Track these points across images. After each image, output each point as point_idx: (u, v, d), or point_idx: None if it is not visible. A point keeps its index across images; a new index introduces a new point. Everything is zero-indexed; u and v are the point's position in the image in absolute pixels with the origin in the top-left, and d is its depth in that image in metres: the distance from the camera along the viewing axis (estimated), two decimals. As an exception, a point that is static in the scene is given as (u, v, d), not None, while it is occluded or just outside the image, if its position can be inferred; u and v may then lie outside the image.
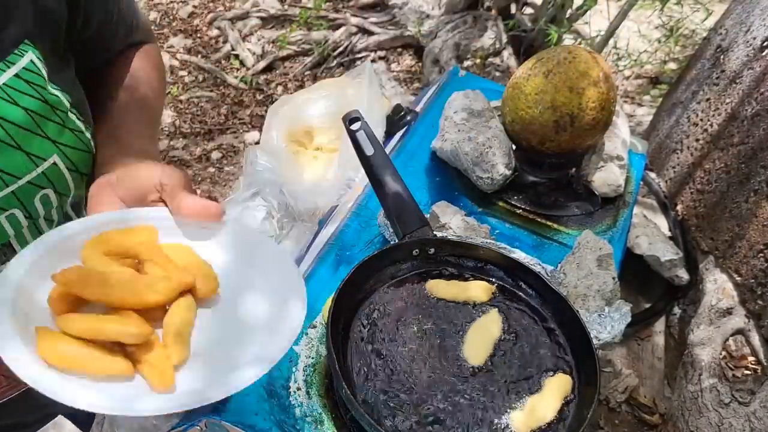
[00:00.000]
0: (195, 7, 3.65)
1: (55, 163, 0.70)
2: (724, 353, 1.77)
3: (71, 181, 0.74)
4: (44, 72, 0.69)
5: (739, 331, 1.78)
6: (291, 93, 1.97)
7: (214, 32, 3.48)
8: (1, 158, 0.65)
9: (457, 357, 0.76)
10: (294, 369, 0.76)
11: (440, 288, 0.83)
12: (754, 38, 2.00)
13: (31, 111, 0.68)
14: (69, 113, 0.72)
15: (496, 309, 0.81)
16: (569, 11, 2.95)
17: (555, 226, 1.05)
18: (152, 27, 3.38)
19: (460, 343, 0.77)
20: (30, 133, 0.68)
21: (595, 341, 0.78)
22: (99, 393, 0.52)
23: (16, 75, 0.66)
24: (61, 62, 0.74)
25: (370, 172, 0.89)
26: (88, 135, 0.75)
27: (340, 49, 3.39)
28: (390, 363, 0.74)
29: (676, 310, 2.05)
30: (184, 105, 3.10)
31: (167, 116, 3.01)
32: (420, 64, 3.33)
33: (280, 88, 3.23)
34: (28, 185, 0.68)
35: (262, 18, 3.54)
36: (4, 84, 0.65)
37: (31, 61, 0.68)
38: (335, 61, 3.33)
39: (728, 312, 1.82)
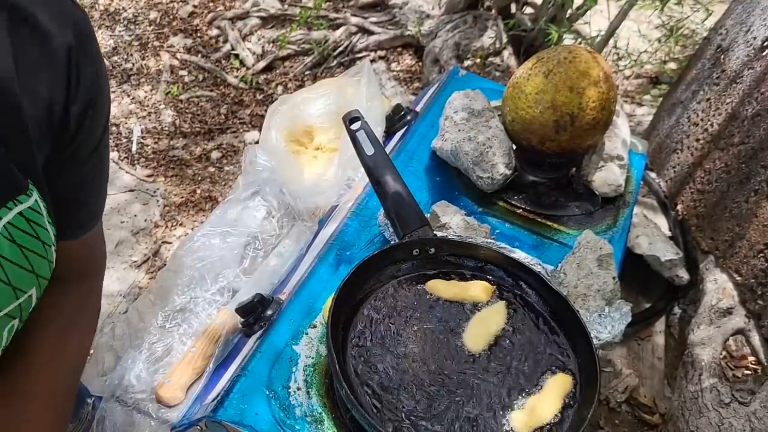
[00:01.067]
0: (195, 6, 3.65)
1: (31, 295, 0.68)
2: (724, 353, 1.77)
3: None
4: (44, 211, 0.68)
5: (739, 331, 1.78)
6: (291, 93, 1.97)
7: (214, 32, 3.48)
8: None
9: (458, 350, 0.76)
10: (294, 369, 0.76)
11: (440, 288, 0.83)
12: (755, 38, 2.00)
13: (25, 248, 0.66)
14: (53, 247, 0.70)
15: (504, 302, 0.82)
16: (569, 11, 2.95)
17: (555, 226, 1.05)
18: (152, 26, 3.39)
19: (460, 341, 0.77)
20: (20, 268, 0.66)
21: (595, 341, 0.78)
22: None
23: (20, 213, 0.65)
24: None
25: (370, 172, 0.89)
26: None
27: (340, 48, 3.38)
28: (390, 362, 0.74)
29: (676, 310, 2.05)
30: (184, 104, 3.09)
31: (167, 116, 3.01)
32: (420, 64, 3.33)
33: (280, 88, 3.23)
34: (4, 317, 0.66)
35: (262, 18, 3.54)
36: (8, 222, 0.64)
37: (36, 201, 0.67)
38: (335, 61, 3.33)
39: (728, 312, 1.82)
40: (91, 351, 0.83)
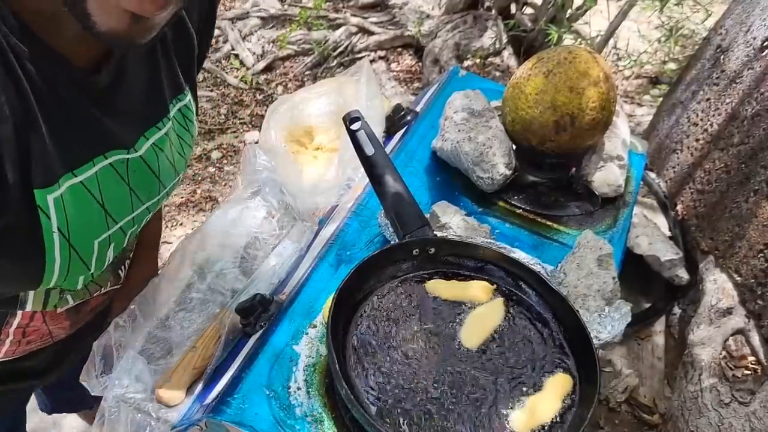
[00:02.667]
0: (195, 6, 3.64)
1: (161, 193, 0.80)
2: (724, 353, 1.77)
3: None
4: (193, 110, 0.84)
5: (739, 331, 1.78)
6: (291, 93, 1.97)
7: (215, 32, 3.48)
8: (146, 183, 0.75)
9: (457, 349, 0.76)
10: (294, 369, 0.76)
11: (440, 288, 0.83)
12: (754, 38, 2.00)
13: (181, 138, 0.81)
14: (192, 146, 0.86)
15: (501, 299, 0.82)
16: (569, 11, 2.95)
17: (555, 226, 1.05)
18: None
19: (460, 340, 0.77)
20: (179, 155, 0.81)
21: (595, 341, 0.78)
22: None
23: (179, 109, 0.80)
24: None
25: (370, 172, 0.89)
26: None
27: (340, 48, 3.39)
28: (390, 362, 0.74)
29: (676, 310, 2.05)
30: (184, 105, 3.09)
31: (167, 116, 3.01)
32: (420, 64, 3.33)
33: (280, 88, 3.23)
34: (145, 210, 0.78)
35: (262, 18, 3.54)
36: (176, 112, 0.79)
37: (189, 100, 0.82)
38: (335, 61, 3.33)
39: (728, 312, 1.82)
40: (92, 351, 0.84)
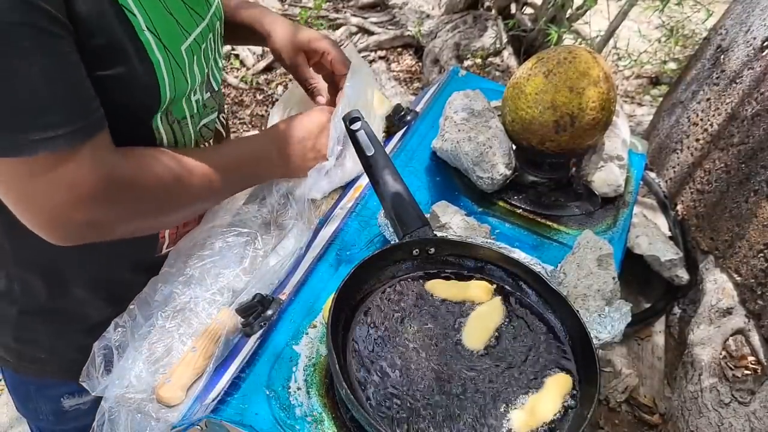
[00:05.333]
0: (195, 6, 3.64)
1: (210, 10, 0.87)
2: (724, 353, 1.77)
3: None
4: None
5: (739, 331, 1.78)
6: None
7: (214, 32, 3.48)
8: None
9: (458, 349, 0.76)
10: (294, 369, 0.76)
11: (440, 288, 0.83)
12: (754, 38, 2.00)
13: None
14: None
15: (499, 297, 0.82)
16: (569, 11, 2.95)
17: (555, 226, 1.05)
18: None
19: (460, 340, 0.78)
20: None
21: (595, 341, 0.78)
22: None
23: None
24: None
25: (370, 172, 0.90)
26: None
27: (340, 49, 3.38)
28: (390, 362, 0.74)
29: (676, 310, 2.05)
30: (184, 105, 3.09)
31: (167, 116, 3.01)
32: (420, 64, 3.33)
33: (280, 88, 3.23)
34: (205, 28, 0.85)
35: (262, 18, 3.53)
36: None
37: None
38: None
39: (728, 312, 1.82)
40: (92, 352, 0.84)
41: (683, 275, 1.99)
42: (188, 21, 0.80)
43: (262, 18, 1.09)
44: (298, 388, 0.74)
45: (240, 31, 1.10)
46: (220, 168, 0.87)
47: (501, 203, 1.07)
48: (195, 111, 0.88)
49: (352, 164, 1.03)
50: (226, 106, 1.14)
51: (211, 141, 0.96)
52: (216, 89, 0.93)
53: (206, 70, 0.88)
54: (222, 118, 1.01)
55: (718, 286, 1.89)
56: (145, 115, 0.79)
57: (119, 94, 0.73)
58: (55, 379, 1.01)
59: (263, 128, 1.14)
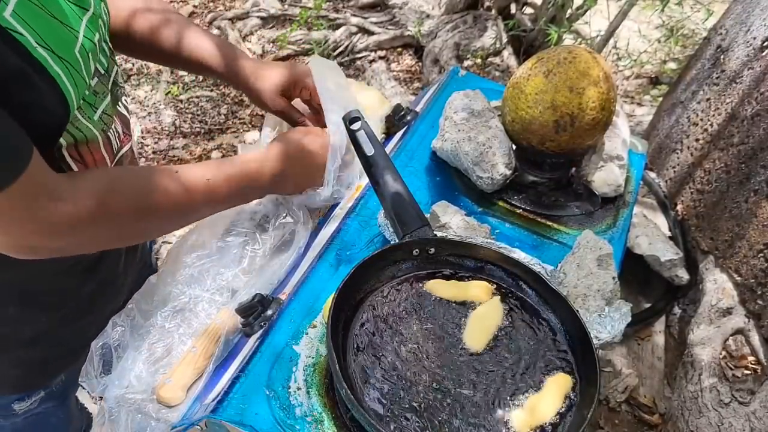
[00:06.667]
0: (195, 6, 3.65)
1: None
2: (724, 353, 1.77)
3: None
4: None
5: (739, 331, 1.78)
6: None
7: (215, 32, 3.48)
8: None
9: (458, 349, 0.76)
10: (294, 369, 0.76)
11: (440, 288, 0.83)
12: (754, 38, 2.00)
13: None
14: None
15: (499, 297, 0.82)
16: (569, 11, 2.95)
17: (555, 226, 1.05)
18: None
19: (460, 340, 0.78)
20: None
21: (595, 341, 0.78)
22: None
23: None
24: None
25: (370, 172, 0.89)
26: None
27: (341, 48, 3.39)
28: (390, 362, 0.74)
29: (676, 310, 2.05)
30: (184, 105, 3.10)
31: (167, 116, 3.01)
32: (420, 64, 3.33)
33: (280, 88, 3.22)
34: (93, 17, 0.80)
35: (262, 18, 3.54)
36: None
37: None
38: (335, 61, 3.33)
39: (728, 312, 1.83)
40: (91, 352, 0.84)
41: (683, 275, 1.99)
42: (73, 16, 0.75)
43: (238, 70, 1.01)
44: (298, 388, 0.74)
45: (194, 67, 1.03)
46: (200, 188, 0.83)
47: (501, 203, 1.07)
48: (82, 102, 0.81)
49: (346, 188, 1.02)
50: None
51: (115, 127, 0.89)
52: (102, 71, 0.85)
53: (94, 60, 0.82)
54: (124, 102, 0.94)
55: (718, 286, 1.89)
56: (58, 131, 0.76)
57: (31, 119, 0.69)
58: (3, 394, 1.01)
59: (262, 128, 1.13)
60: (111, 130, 0.87)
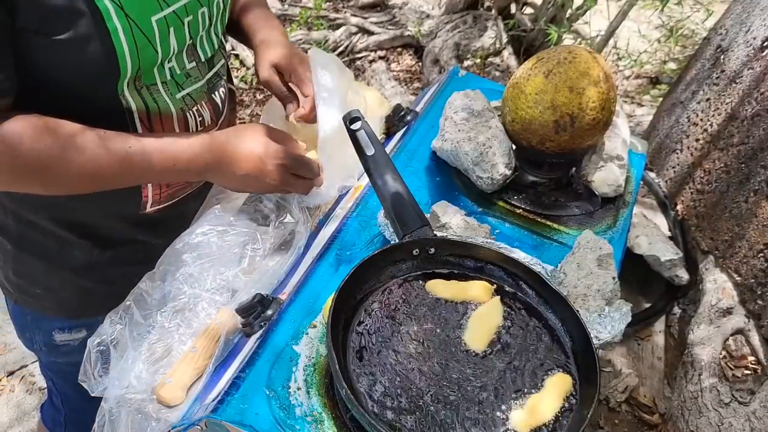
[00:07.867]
0: (195, 6, 3.64)
1: None
2: (724, 353, 1.77)
3: None
4: None
5: (739, 331, 1.78)
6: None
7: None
8: None
9: (458, 349, 0.76)
10: (294, 369, 0.76)
11: (440, 288, 0.83)
12: (754, 38, 2.00)
13: None
14: None
15: (499, 297, 0.82)
16: (569, 11, 2.95)
17: (555, 226, 1.05)
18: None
19: (460, 340, 0.78)
20: None
21: (595, 341, 0.78)
22: None
23: None
24: None
25: (370, 172, 0.89)
26: None
27: (341, 48, 3.39)
28: (390, 362, 0.74)
29: (676, 310, 2.05)
30: (184, 105, 3.09)
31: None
32: (420, 64, 3.33)
33: (280, 88, 3.22)
34: (194, 1, 0.86)
35: (262, 18, 3.53)
36: None
37: None
38: (335, 61, 3.33)
39: (728, 312, 1.83)
40: (88, 349, 0.84)
41: (683, 275, 1.99)
42: None
43: (255, 32, 1.10)
44: (298, 388, 0.74)
45: (240, 36, 1.13)
46: (118, 154, 0.81)
47: (501, 203, 1.07)
48: (169, 78, 0.88)
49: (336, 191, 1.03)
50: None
51: (199, 110, 0.95)
52: (203, 59, 0.93)
53: (188, 41, 0.88)
54: (222, 92, 1.02)
55: (718, 286, 1.89)
56: (105, 81, 0.80)
57: (75, 58, 0.75)
58: (49, 315, 1.06)
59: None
60: (191, 112, 0.93)
